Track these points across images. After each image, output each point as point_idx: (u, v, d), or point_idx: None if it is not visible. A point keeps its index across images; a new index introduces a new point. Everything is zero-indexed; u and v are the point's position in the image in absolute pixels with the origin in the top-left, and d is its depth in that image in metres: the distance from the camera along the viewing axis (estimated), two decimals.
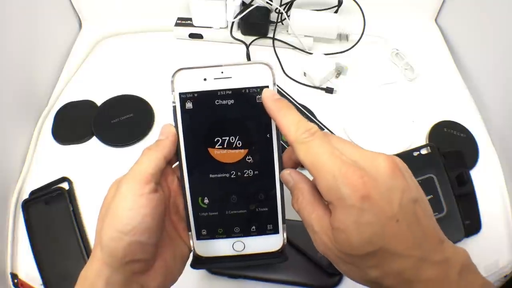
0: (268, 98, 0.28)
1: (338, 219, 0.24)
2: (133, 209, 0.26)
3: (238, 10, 0.65)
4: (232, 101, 0.29)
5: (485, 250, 0.48)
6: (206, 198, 0.31)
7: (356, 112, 0.59)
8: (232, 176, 0.30)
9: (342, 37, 0.68)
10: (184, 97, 0.29)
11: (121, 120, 0.58)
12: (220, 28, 0.68)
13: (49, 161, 0.56)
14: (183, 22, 0.70)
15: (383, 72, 0.66)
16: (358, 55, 0.66)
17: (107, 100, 0.61)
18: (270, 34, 0.68)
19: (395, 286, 0.25)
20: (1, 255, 0.47)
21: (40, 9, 0.63)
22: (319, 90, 0.63)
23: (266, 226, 0.31)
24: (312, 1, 0.68)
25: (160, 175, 0.29)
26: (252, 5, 0.65)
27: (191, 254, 0.32)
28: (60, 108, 0.60)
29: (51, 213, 0.50)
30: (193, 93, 0.29)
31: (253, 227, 0.31)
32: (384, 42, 0.69)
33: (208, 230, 0.31)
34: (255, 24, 0.66)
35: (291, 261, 0.44)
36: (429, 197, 0.48)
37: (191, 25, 0.69)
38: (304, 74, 0.64)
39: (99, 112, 0.59)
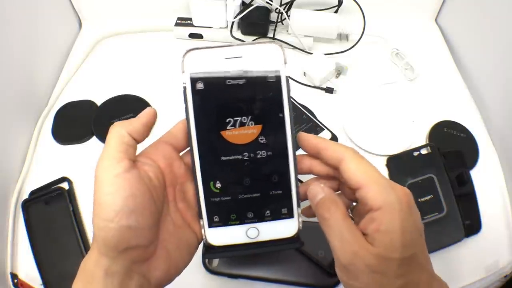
0: (306, 134, 0.31)
1: (386, 221, 0.26)
2: (111, 193, 0.25)
3: (238, 10, 0.65)
4: (243, 81, 0.29)
5: (485, 250, 0.48)
6: (218, 182, 0.29)
7: (356, 112, 0.59)
8: (244, 158, 0.29)
9: (342, 37, 0.68)
10: (194, 78, 0.29)
11: (121, 120, 0.58)
12: (220, 28, 0.68)
13: (49, 161, 0.56)
14: (183, 22, 0.70)
15: (383, 72, 0.66)
16: (358, 55, 0.66)
17: (107, 100, 0.61)
18: (270, 34, 0.68)
19: None
20: (1, 255, 0.47)
21: (40, 9, 0.63)
22: (319, 90, 0.63)
23: (281, 210, 0.30)
24: (312, 1, 0.68)
25: (132, 150, 0.28)
26: (252, 5, 0.65)
27: (202, 244, 0.30)
28: (60, 108, 0.60)
29: (51, 213, 0.50)
30: (204, 73, 0.29)
31: (267, 212, 0.30)
32: (384, 42, 0.69)
33: (220, 217, 0.30)
34: (255, 24, 0.66)
35: (291, 261, 0.45)
36: (429, 197, 0.48)
37: (191, 25, 0.69)
38: (304, 74, 0.64)
39: (99, 112, 0.59)
